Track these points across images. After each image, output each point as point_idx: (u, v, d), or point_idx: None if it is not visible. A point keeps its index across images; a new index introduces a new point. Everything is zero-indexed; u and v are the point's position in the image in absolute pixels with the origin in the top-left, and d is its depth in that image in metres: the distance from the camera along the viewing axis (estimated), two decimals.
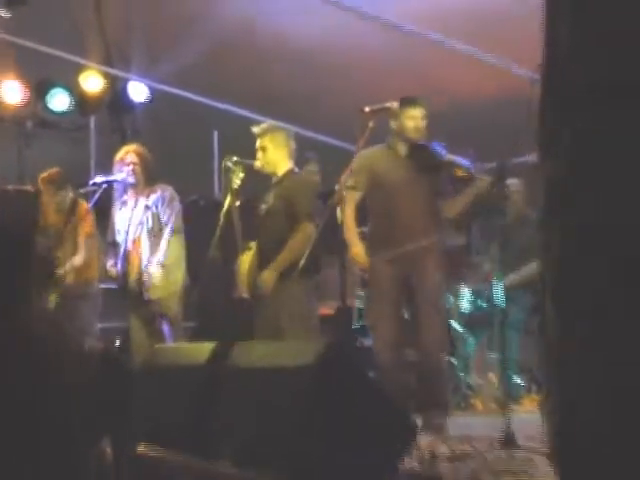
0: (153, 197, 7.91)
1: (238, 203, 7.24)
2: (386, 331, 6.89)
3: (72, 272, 8.41)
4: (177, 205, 7.97)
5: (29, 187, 9.00)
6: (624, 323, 1.55)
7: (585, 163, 1.58)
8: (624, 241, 1.52)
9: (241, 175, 7.18)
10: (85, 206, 8.53)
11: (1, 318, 3.38)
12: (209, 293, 8.63)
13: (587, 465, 1.61)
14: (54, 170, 8.65)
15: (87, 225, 8.55)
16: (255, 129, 7.34)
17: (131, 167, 7.91)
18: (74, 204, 8.52)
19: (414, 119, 6.96)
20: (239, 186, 7.18)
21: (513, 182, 7.14)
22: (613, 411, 1.55)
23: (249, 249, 7.25)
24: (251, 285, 7.18)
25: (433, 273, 6.87)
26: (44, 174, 8.62)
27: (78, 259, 8.43)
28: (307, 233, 6.96)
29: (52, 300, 8.37)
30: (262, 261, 7.16)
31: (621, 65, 1.55)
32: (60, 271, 8.32)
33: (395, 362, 6.84)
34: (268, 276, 7.05)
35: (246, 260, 7.25)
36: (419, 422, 6.33)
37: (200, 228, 8.26)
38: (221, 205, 7.38)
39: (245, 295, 7.23)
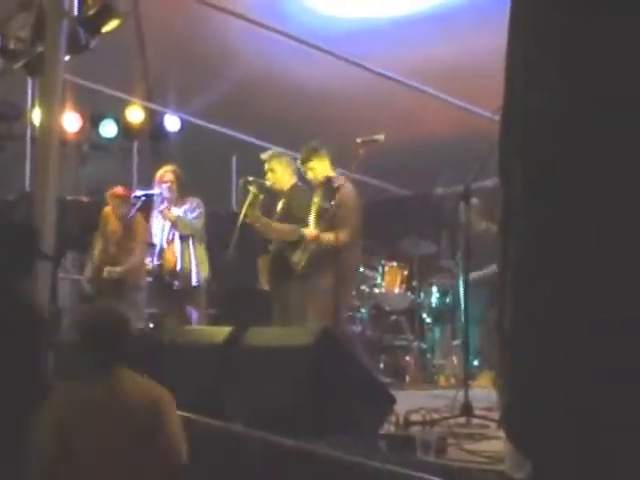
0: (184, 207, 7.96)
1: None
2: None
3: (129, 270, 8.42)
4: (202, 212, 8.00)
5: (84, 198, 9.02)
6: (568, 315, 1.55)
7: (533, 185, 1.59)
8: (569, 245, 1.52)
9: (264, 187, 7.19)
10: (143, 220, 8.54)
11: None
12: (227, 286, 8.63)
13: (530, 429, 1.63)
14: (119, 188, 8.65)
15: (142, 233, 8.56)
16: (263, 155, 7.33)
17: (168, 184, 7.95)
18: (134, 218, 8.54)
19: None
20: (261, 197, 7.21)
21: (475, 201, 7.13)
22: (553, 388, 1.55)
23: (269, 251, 7.25)
24: (271, 279, 7.20)
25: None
26: (112, 191, 8.61)
27: (135, 260, 8.44)
28: (294, 230, 6.98)
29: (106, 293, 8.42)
30: (276, 259, 7.14)
31: (567, 99, 1.56)
32: (119, 269, 8.36)
33: None
34: (256, 218, 7.07)
35: (266, 259, 7.25)
36: None
37: (220, 233, 8.29)
38: (237, 215, 7.39)
39: (265, 287, 7.24)
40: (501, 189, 1.80)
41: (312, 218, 6.87)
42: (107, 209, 8.65)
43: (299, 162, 6.98)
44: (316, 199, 6.89)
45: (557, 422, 1.58)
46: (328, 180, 6.78)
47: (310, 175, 6.94)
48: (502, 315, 1.76)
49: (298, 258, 6.81)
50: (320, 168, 6.88)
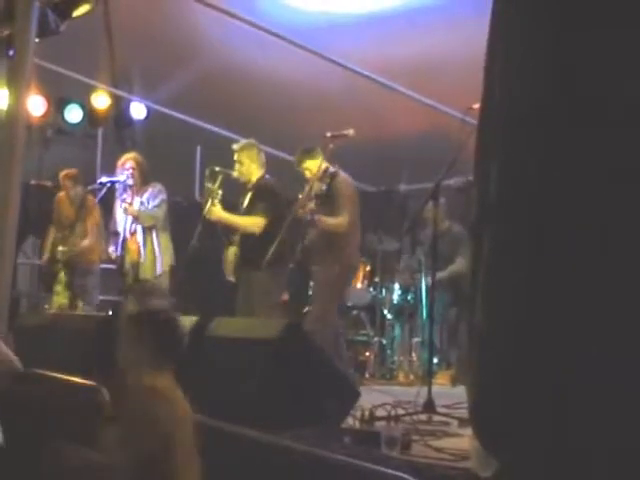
0: (146, 195, 7.93)
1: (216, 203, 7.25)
2: None
3: (81, 253, 8.42)
4: (164, 199, 7.97)
5: (47, 183, 9.00)
6: (540, 316, 1.56)
7: (512, 184, 1.58)
8: (535, 247, 1.52)
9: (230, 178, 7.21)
10: (93, 201, 8.53)
11: None
12: (190, 275, 8.60)
13: (498, 429, 1.63)
14: (73, 170, 8.68)
15: (94, 216, 8.57)
16: (234, 146, 7.35)
17: (130, 171, 7.92)
18: (84, 199, 8.54)
19: None
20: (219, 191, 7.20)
21: (442, 200, 7.16)
22: (523, 388, 1.56)
23: (232, 243, 7.26)
24: (235, 270, 7.21)
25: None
26: (65, 172, 8.64)
27: (86, 243, 8.45)
28: (257, 222, 7.05)
29: (61, 276, 8.39)
30: (243, 251, 7.16)
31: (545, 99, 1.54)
32: (70, 252, 8.37)
33: None
34: (216, 213, 7.14)
35: (232, 251, 7.25)
36: None
37: (183, 223, 8.27)
38: (200, 206, 7.38)
39: (231, 278, 7.25)
40: (474, 188, 1.79)
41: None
42: (60, 195, 8.71)
43: (295, 165, 7.04)
44: (315, 185, 6.92)
45: (526, 422, 1.59)
46: (324, 171, 6.84)
47: (307, 174, 6.99)
48: (473, 315, 1.76)
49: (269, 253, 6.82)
50: (314, 165, 6.93)
